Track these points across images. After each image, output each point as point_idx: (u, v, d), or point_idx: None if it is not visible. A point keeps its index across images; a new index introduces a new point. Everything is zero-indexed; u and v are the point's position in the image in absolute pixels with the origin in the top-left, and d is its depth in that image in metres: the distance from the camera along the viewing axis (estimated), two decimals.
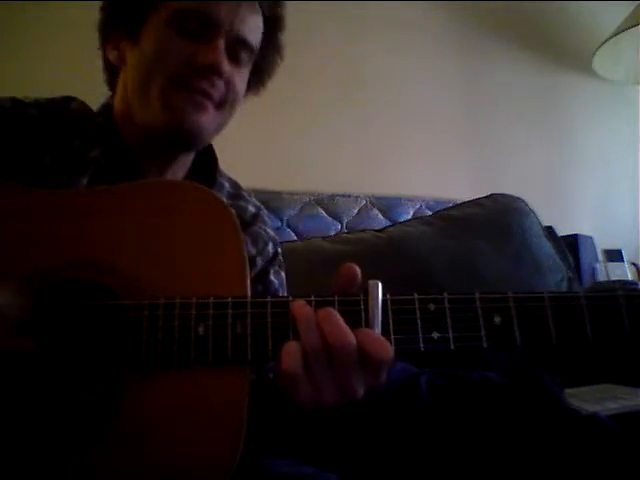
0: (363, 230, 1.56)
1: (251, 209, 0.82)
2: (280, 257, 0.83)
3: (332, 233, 1.63)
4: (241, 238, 0.53)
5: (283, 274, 0.82)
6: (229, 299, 0.48)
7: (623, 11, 1.90)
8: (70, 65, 1.50)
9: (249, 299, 0.49)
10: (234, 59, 0.68)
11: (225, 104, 0.68)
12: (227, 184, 0.82)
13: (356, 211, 1.75)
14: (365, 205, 1.77)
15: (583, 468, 0.73)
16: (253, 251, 0.77)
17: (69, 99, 0.73)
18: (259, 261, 0.78)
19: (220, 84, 0.66)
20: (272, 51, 0.76)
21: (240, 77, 0.70)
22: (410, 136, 1.95)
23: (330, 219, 1.70)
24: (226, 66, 0.65)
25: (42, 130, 0.67)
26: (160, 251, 0.51)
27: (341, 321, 0.46)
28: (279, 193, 1.63)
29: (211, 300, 0.48)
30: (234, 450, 0.45)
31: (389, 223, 1.69)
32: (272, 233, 0.83)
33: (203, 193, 0.55)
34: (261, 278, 0.79)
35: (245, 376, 0.48)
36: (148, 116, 0.66)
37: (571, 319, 0.47)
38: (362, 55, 1.93)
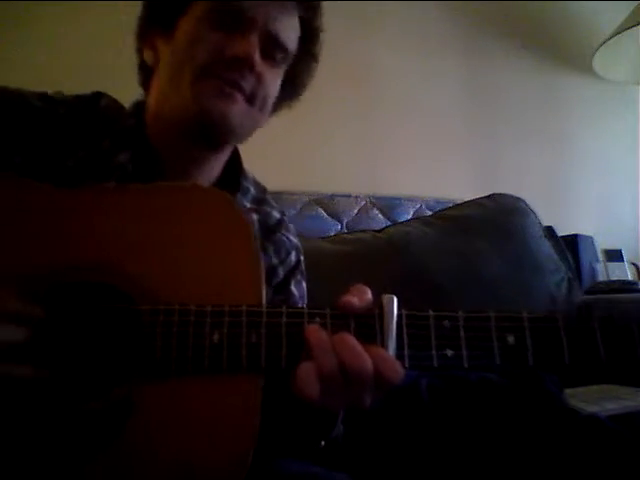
0: (363, 230, 1.56)
1: (275, 215, 0.80)
2: (302, 266, 0.81)
3: (332, 233, 1.62)
4: (257, 245, 0.52)
5: (304, 284, 0.80)
6: (244, 307, 0.48)
7: (623, 11, 1.90)
8: (79, 64, 1.51)
9: (264, 309, 0.48)
10: (267, 57, 0.67)
11: (256, 100, 0.67)
12: (252, 188, 0.79)
13: (356, 211, 1.75)
14: (365, 205, 1.77)
15: (583, 468, 0.73)
16: (275, 261, 0.75)
17: (99, 95, 0.72)
18: (280, 271, 0.76)
19: (251, 78, 0.65)
20: (308, 59, 0.75)
21: (273, 76, 0.69)
22: (410, 136, 1.95)
23: (330, 219, 1.70)
24: (258, 59, 0.64)
25: (69, 132, 0.65)
26: (175, 256, 0.51)
27: (357, 345, 0.46)
28: (279, 193, 1.63)
29: (226, 308, 0.48)
30: (245, 457, 0.45)
31: (389, 223, 1.69)
32: (295, 240, 0.81)
33: (219, 198, 0.54)
34: (282, 289, 0.76)
35: (258, 384, 0.48)
36: (179, 107, 0.65)
37: (584, 341, 0.47)
38: (363, 55, 1.93)
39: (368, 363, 0.45)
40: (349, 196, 1.76)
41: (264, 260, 0.71)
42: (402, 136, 1.94)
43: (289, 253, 0.78)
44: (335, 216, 1.71)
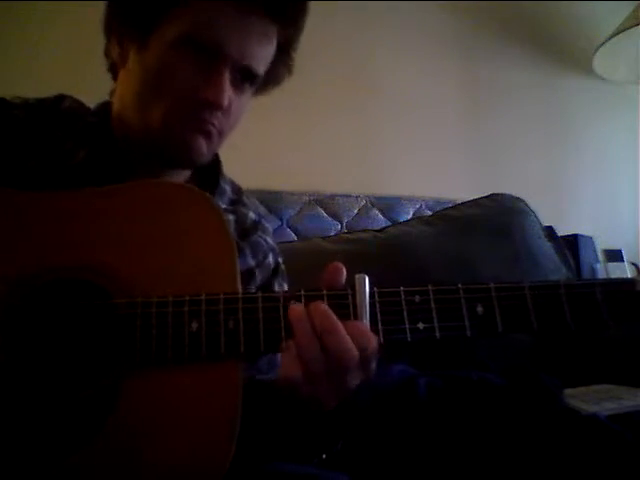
0: (363, 230, 1.56)
1: (252, 216, 0.80)
2: (282, 267, 0.81)
3: (332, 233, 1.62)
4: (231, 236, 0.53)
5: (286, 286, 0.80)
6: (221, 295, 0.49)
7: (623, 11, 1.90)
8: (59, 66, 1.51)
9: (240, 295, 0.50)
10: (237, 87, 0.65)
11: (224, 132, 0.67)
12: (229, 189, 0.79)
13: (356, 211, 1.75)
14: (365, 205, 1.77)
15: (583, 468, 0.73)
16: (252, 263, 0.75)
17: (61, 97, 0.71)
18: (258, 274, 0.75)
19: (220, 115, 0.65)
20: (281, 68, 0.73)
21: (240, 104, 0.68)
22: (410, 136, 1.95)
23: (330, 219, 1.70)
24: (227, 101, 0.63)
25: (28, 133, 0.64)
26: (150, 250, 0.52)
27: (328, 310, 0.48)
28: (279, 193, 1.63)
29: (203, 297, 0.49)
30: (227, 447, 0.46)
31: (389, 223, 1.70)
32: (272, 242, 0.80)
33: (192, 193, 0.56)
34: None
35: (238, 374, 0.48)
36: (147, 127, 0.64)
37: (551, 307, 0.50)
38: (362, 55, 1.93)
39: (339, 326, 0.47)
40: (349, 196, 1.76)
41: (241, 262, 0.72)
42: (402, 136, 1.94)
43: (266, 256, 0.77)
44: (335, 216, 1.71)
